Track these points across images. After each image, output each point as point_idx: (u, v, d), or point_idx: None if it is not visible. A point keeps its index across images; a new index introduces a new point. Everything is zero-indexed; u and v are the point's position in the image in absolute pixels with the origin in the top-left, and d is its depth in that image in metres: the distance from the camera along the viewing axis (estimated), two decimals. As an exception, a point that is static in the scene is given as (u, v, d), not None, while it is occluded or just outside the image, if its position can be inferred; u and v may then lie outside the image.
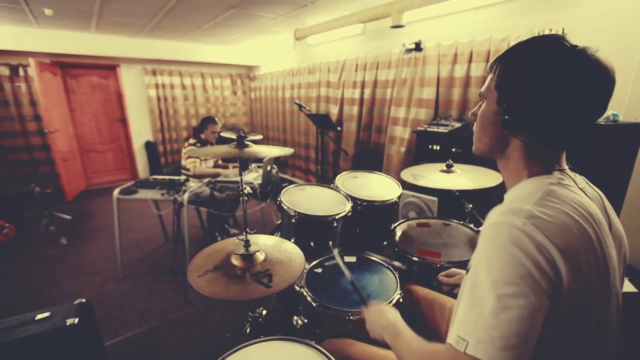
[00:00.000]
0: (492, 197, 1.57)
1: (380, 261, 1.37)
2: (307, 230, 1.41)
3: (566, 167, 0.68)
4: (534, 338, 0.49)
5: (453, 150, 2.87)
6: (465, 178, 1.64)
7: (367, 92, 4.01)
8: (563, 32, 2.32)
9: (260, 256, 1.01)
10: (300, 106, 3.58)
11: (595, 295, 0.58)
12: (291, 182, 3.08)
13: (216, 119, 3.11)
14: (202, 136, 3.10)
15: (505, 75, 0.65)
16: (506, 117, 0.64)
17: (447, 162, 1.73)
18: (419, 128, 3.07)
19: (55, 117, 4.26)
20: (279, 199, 1.50)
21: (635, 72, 2.02)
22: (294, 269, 1.00)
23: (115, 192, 2.52)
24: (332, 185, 1.71)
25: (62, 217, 3.67)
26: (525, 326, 0.48)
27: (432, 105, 3.31)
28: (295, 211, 1.38)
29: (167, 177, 2.77)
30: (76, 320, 1.36)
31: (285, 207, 1.43)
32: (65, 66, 4.68)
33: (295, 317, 1.36)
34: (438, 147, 2.95)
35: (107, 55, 4.65)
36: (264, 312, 1.22)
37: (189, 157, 3.01)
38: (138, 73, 5.16)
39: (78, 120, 4.98)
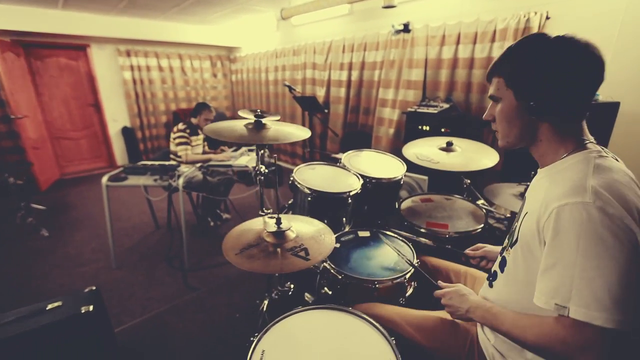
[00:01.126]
0: (487, 172, 1.66)
1: (393, 235, 1.44)
2: (322, 207, 1.44)
3: (592, 138, 0.75)
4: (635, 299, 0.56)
5: (442, 130, 2.97)
6: (464, 158, 1.72)
7: (355, 74, 4.02)
8: (547, 16, 2.44)
9: (292, 233, 1.04)
10: (290, 88, 3.54)
11: None
12: (278, 166, 3.07)
13: (211, 106, 3.02)
14: (194, 121, 3.00)
15: (518, 73, 0.75)
16: (532, 103, 0.73)
17: (448, 140, 1.80)
18: (409, 109, 3.13)
19: (22, 102, 3.94)
20: (291, 177, 1.51)
21: (612, 54, 2.17)
22: (325, 242, 1.03)
23: (104, 179, 2.42)
24: (339, 163, 1.74)
25: (37, 208, 3.47)
26: (627, 286, 0.55)
27: (420, 87, 3.38)
28: (311, 189, 1.40)
29: (157, 163, 2.69)
30: (91, 307, 1.34)
31: (299, 186, 1.45)
32: (28, 46, 4.30)
33: (306, 294, 1.42)
34: (428, 128, 3.03)
35: (75, 34, 4.32)
36: (292, 285, 1.26)
37: (179, 144, 2.92)
38: (111, 54, 4.84)
39: (46, 105, 4.63)
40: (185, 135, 2.94)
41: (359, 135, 4.22)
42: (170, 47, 5.31)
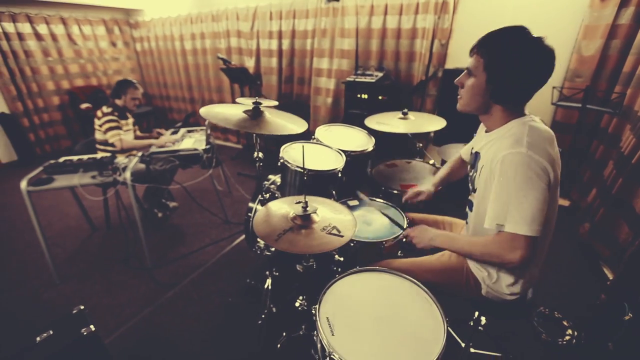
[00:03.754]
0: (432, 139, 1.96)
1: (378, 201, 1.65)
2: (316, 184, 1.54)
3: (527, 109, 1.02)
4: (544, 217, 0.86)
5: (380, 98, 3.25)
6: (416, 124, 2.00)
7: (286, 43, 3.94)
8: (460, -9, 2.79)
9: (316, 215, 1.13)
10: (224, 61, 3.30)
11: (557, 187, 0.97)
12: (212, 145, 2.95)
13: (136, 83, 2.63)
14: (119, 102, 2.61)
15: (494, 62, 0.92)
16: (496, 90, 0.95)
17: (404, 110, 2.04)
18: (348, 79, 3.30)
19: None
20: (281, 157, 1.55)
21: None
22: (348, 219, 1.16)
23: (23, 184, 2.02)
24: (314, 140, 1.83)
25: None
26: (541, 209, 0.85)
27: (352, 56, 3.55)
28: (307, 169, 1.48)
29: (85, 157, 2.33)
30: (92, 327, 1.24)
31: (290, 166, 1.51)
32: None
33: (297, 265, 1.55)
34: (366, 96, 3.27)
35: None
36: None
37: (109, 130, 2.54)
38: (-43, 18, 3.64)
39: None
40: (115, 118, 2.57)
41: (295, 106, 4.23)
42: (47, 8, 4.23)
